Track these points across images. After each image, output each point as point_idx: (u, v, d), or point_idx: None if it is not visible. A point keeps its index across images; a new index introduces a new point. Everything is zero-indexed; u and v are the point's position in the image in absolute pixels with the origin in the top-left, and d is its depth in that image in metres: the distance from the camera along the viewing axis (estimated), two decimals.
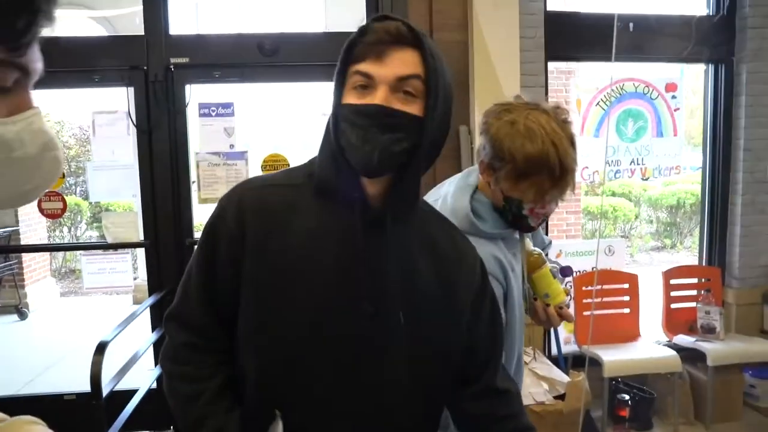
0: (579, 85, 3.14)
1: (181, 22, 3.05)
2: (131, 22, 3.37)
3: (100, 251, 3.14)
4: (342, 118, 0.87)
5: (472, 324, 0.99)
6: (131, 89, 2.77)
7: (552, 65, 3.25)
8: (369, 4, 2.84)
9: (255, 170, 2.80)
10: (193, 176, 2.79)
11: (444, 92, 0.88)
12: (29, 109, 0.52)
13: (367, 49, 0.86)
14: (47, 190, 2.02)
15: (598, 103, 3.06)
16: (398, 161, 0.87)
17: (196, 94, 2.79)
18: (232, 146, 2.75)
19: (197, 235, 2.79)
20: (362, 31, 0.87)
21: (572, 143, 1.13)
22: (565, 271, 1.47)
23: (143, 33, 2.75)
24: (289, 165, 2.72)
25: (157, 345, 2.56)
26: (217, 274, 0.92)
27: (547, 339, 3.08)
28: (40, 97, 0.53)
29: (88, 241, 6.55)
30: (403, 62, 0.85)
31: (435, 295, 0.94)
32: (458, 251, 1.00)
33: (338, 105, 0.88)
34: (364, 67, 0.85)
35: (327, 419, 0.90)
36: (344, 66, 0.88)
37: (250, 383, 0.92)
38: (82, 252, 3.48)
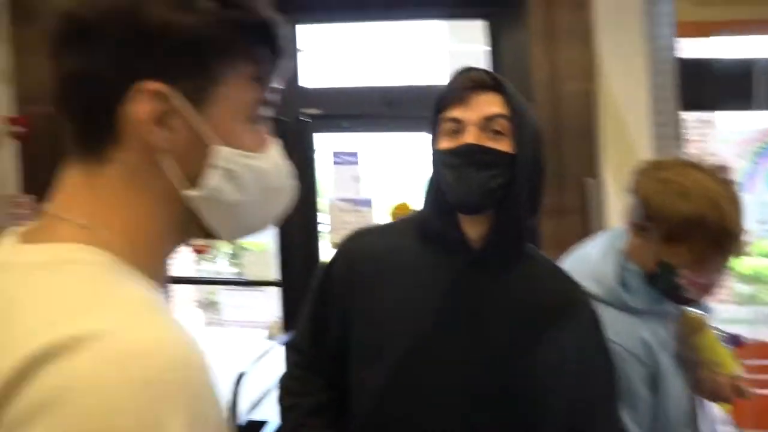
0: (718, 137, 2.95)
1: (309, 75, 3.32)
2: None
3: (238, 287, 3.42)
4: (438, 162, 0.95)
5: (571, 390, 0.92)
6: None
7: (690, 115, 3.09)
8: (490, 56, 2.92)
9: (381, 217, 2.94)
10: (324, 221, 2.99)
11: (531, 129, 0.94)
12: (273, 141, 0.61)
13: (453, 96, 0.94)
14: None
15: (744, 155, 2.84)
16: (495, 197, 0.91)
17: (327, 142, 3.01)
18: (359, 193, 2.93)
19: None
20: (448, 83, 0.98)
21: (736, 204, 1.03)
22: (736, 340, 1.30)
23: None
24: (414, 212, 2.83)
25: None
26: (327, 311, 1.03)
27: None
28: None
29: (228, 276, 7.11)
30: (487, 103, 0.93)
31: (523, 348, 0.91)
32: (566, 308, 0.96)
33: (434, 152, 0.97)
34: (451, 113, 0.94)
35: None
36: (435, 116, 0.97)
37: (356, 415, 0.98)
38: (222, 286, 3.80)
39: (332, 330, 1.02)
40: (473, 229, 0.95)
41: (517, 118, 0.92)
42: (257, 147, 0.58)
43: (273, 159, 0.60)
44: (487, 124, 0.92)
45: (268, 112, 0.60)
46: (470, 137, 0.90)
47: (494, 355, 0.91)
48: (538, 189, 0.96)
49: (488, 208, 0.93)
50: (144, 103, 0.50)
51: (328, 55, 4.70)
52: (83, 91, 0.52)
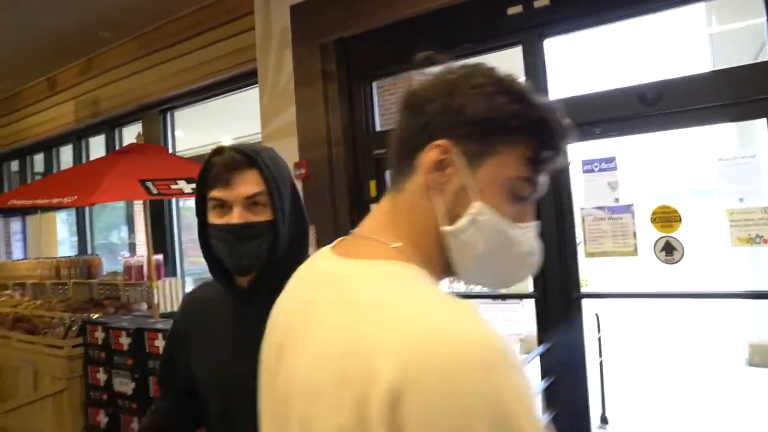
0: None
1: (558, 83, 3.27)
2: None
3: (494, 300, 3.49)
4: (212, 235, 1.15)
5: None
6: None
7: None
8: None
9: (642, 223, 2.74)
10: (578, 231, 2.91)
11: (286, 192, 1.17)
12: (531, 221, 0.73)
13: (215, 178, 1.12)
14: None
15: None
16: (263, 260, 1.15)
17: (578, 150, 2.94)
18: (616, 200, 2.78)
19: (584, 289, 2.87)
20: (207, 165, 1.16)
21: None
22: None
23: None
24: (679, 216, 2.58)
25: (546, 391, 2.71)
26: (176, 345, 1.36)
27: None
28: None
29: (482, 291, 7.29)
30: (246, 183, 1.11)
31: None
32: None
33: (203, 224, 1.17)
34: (217, 193, 1.12)
35: None
36: (201, 191, 1.17)
37: None
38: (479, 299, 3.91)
39: (182, 357, 1.30)
40: (243, 280, 1.20)
41: (271, 190, 1.12)
42: (514, 218, 0.69)
43: (524, 232, 0.70)
44: (247, 201, 1.11)
45: (533, 192, 0.70)
46: (235, 217, 1.10)
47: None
48: (302, 235, 1.22)
49: (257, 268, 1.16)
50: (432, 152, 0.67)
51: (578, 63, 4.59)
52: (406, 140, 0.71)
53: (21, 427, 4.52)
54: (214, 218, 1.14)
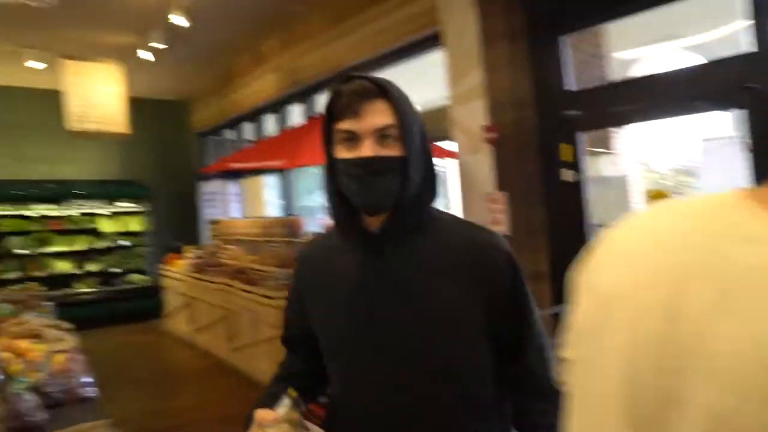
0: None
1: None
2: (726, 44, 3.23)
3: None
4: (340, 171, 1.05)
5: (498, 309, 1.05)
6: (741, 112, 2.66)
7: None
8: None
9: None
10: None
11: (417, 130, 1.05)
12: None
13: (344, 109, 1.02)
14: None
15: None
16: (394, 198, 1.04)
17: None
18: None
19: None
20: (335, 94, 1.04)
21: None
22: None
23: (751, 51, 2.60)
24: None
25: None
26: (296, 305, 1.24)
27: None
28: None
29: None
30: (377, 113, 1.01)
31: (444, 292, 1.04)
32: (473, 246, 1.08)
33: (332, 159, 1.07)
34: (345, 125, 1.02)
35: (370, 408, 1.08)
36: (328, 125, 1.05)
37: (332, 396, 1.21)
38: None
39: (301, 320, 1.22)
40: (373, 221, 1.08)
41: (403, 123, 1.02)
42: None
43: None
44: (378, 134, 1.01)
45: None
46: (366, 150, 1.01)
47: (416, 297, 1.05)
48: (431, 174, 1.10)
49: (388, 208, 1.05)
50: None
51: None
52: None
53: (245, 365, 5.24)
54: (342, 152, 1.04)
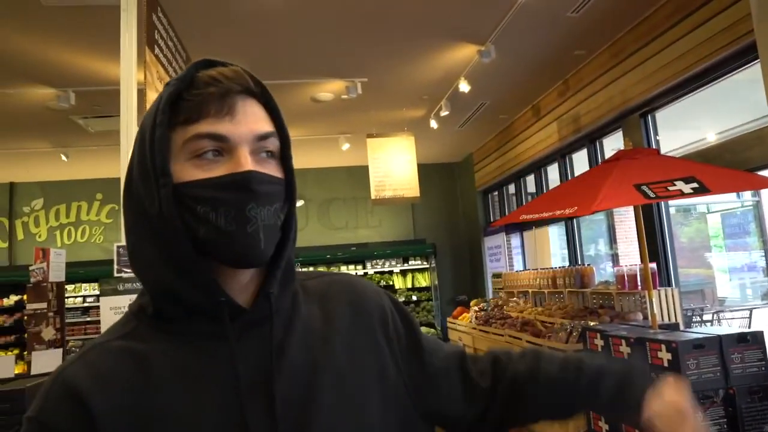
0: None
1: None
2: None
3: None
4: (192, 199, 0.64)
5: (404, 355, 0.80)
6: None
7: None
8: None
9: None
10: None
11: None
12: None
13: (212, 103, 0.65)
14: None
15: None
16: (277, 240, 0.69)
17: None
18: None
19: None
20: (188, 81, 0.67)
21: None
22: None
23: None
24: None
25: None
26: None
27: None
28: None
29: None
30: (256, 117, 0.68)
31: (354, 357, 0.74)
32: (357, 299, 0.80)
33: (164, 185, 0.64)
34: (208, 127, 0.64)
35: None
36: (162, 130, 0.65)
37: None
38: None
39: None
40: (238, 281, 0.69)
41: (285, 134, 0.71)
42: None
43: None
44: (256, 145, 0.67)
45: None
46: (244, 162, 0.64)
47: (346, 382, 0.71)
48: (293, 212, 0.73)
49: (268, 257, 0.68)
50: None
51: None
52: None
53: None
54: (192, 171, 0.65)
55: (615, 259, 6.67)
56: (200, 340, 0.68)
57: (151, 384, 0.64)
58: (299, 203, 6.13)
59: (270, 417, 0.65)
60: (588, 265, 5.57)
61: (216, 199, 0.64)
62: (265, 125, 0.69)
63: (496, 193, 9.34)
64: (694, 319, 7.11)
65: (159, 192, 0.64)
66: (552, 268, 6.16)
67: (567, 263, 6.79)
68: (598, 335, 3.94)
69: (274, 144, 0.70)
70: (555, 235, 7.95)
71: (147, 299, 0.70)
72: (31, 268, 4.87)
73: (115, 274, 3.58)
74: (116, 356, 0.66)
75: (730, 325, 7.47)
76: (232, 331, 0.67)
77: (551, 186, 7.33)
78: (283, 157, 0.72)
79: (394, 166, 7.24)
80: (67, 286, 6.23)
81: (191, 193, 0.65)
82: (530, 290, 6.48)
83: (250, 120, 0.68)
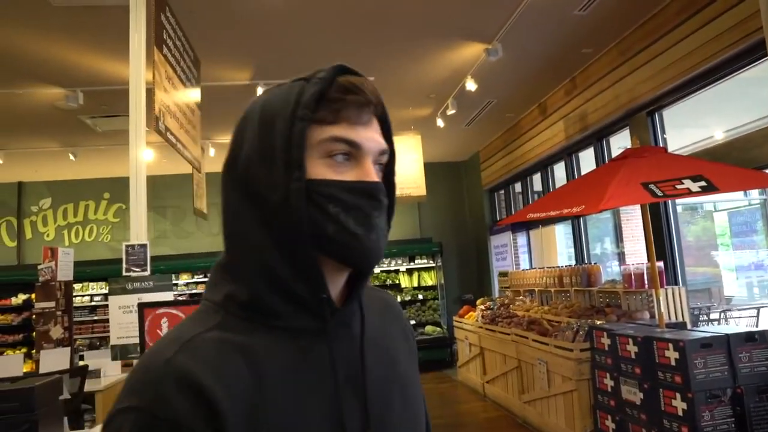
0: None
1: None
2: None
3: None
4: (326, 198, 0.65)
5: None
6: None
7: None
8: None
9: None
10: None
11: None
12: None
13: (351, 110, 0.67)
14: None
15: None
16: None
17: None
18: None
19: None
20: (330, 83, 0.67)
21: None
22: None
23: None
24: None
25: None
26: None
27: None
28: None
29: None
30: (377, 132, 0.71)
31: (409, 370, 0.81)
32: (391, 308, 0.87)
33: (301, 179, 0.64)
34: (345, 132, 0.67)
35: None
36: (302, 122, 0.65)
37: None
38: None
39: None
40: (334, 281, 0.70)
41: (393, 153, 0.75)
42: None
43: None
44: (378, 158, 0.71)
45: None
46: (371, 173, 0.68)
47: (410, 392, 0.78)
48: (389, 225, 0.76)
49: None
50: None
51: None
52: None
53: (538, 418, 5.01)
54: (326, 171, 0.67)
55: (621, 257, 6.65)
56: (301, 336, 0.67)
57: (263, 380, 0.63)
58: None
59: (362, 420, 0.67)
60: (594, 263, 5.56)
61: (348, 201, 0.66)
62: (383, 141, 0.72)
63: (502, 191, 9.32)
64: (701, 318, 7.08)
65: (290, 183, 0.64)
66: (558, 266, 6.15)
67: (573, 262, 6.78)
68: (605, 334, 3.95)
69: (385, 160, 0.73)
70: (561, 233, 7.93)
71: (237, 288, 0.67)
72: (39, 267, 4.91)
73: (124, 273, 3.60)
74: (220, 348, 0.63)
75: (738, 324, 7.43)
76: (317, 331, 0.68)
77: (558, 185, 7.31)
78: (388, 173, 0.75)
79: (401, 164, 7.24)
80: (74, 285, 6.26)
81: (325, 191, 0.65)
82: (537, 289, 6.47)
83: (377, 135, 0.71)
